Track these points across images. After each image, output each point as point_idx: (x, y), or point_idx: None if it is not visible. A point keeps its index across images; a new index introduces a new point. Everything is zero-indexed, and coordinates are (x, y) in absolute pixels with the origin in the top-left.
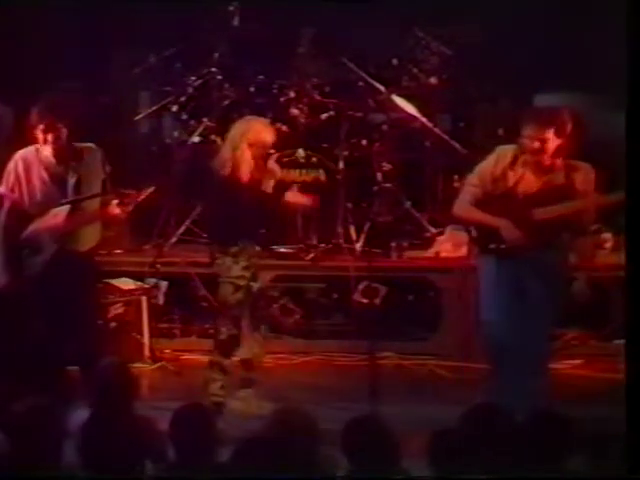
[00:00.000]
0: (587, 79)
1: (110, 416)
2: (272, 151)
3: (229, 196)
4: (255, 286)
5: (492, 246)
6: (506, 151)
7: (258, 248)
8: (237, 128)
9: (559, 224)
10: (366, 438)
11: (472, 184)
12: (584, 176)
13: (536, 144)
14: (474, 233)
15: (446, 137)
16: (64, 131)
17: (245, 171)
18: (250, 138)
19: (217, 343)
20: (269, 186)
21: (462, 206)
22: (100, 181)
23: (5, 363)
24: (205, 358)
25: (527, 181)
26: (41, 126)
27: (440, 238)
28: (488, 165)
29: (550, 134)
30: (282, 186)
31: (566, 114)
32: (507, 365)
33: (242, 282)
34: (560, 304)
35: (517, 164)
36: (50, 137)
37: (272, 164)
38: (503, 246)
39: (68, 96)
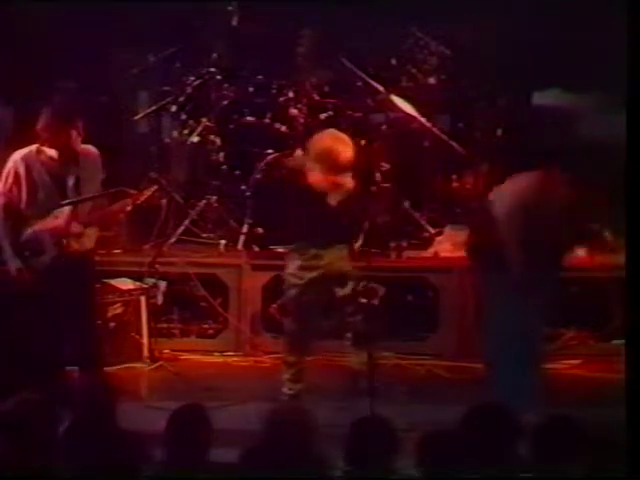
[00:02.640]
0: (586, 79)
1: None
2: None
3: (290, 200)
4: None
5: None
6: (529, 181)
7: (315, 251)
8: (313, 139)
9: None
10: (370, 439)
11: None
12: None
13: None
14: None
15: (445, 137)
16: (72, 133)
17: (310, 181)
18: (316, 152)
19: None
20: (335, 199)
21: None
22: (98, 182)
23: (4, 362)
24: (204, 358)
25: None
26: (51, 128)
27: (439, 238)
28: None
29: None
30: (352, 199)
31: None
32: (507, 364)
33: (293, 280)
34: (556, 303)
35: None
36: (57, 139)
37: (343, 178)
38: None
39: (77, 98)
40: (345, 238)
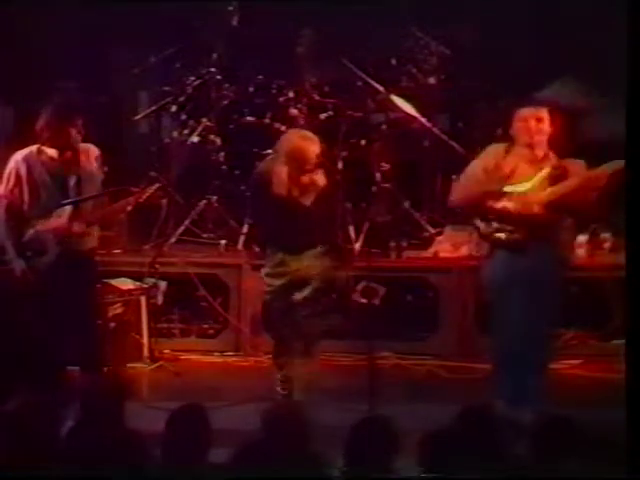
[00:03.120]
0: (586, 78)
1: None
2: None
3: (259, 205)
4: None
5: (501, 236)
6: (498, 147)
7: (281, 256)
8: (280, 140)
9: (562, 210)
10: (369, 439)
11: (467, 177)
12: (577, 168)
13: (532, 123)
14: (481, 227)
15: (445, 137)
16: (71, 132)
17: (279, 183)
18: (285, 152)
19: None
20: (308, 198)
21: (460, 188)
22: (99, 182)
23: (5, 362)
24: (204, 358)
25: (522, 172)
26: (51, 127)
27: (439, 238)
28: (481, 161)
29: (545, 114)
30: (325, 197)
31: (561, 103)
32: (517, 361)
33: (263, 287)
34: (562, 297)
35: (510, 157)
36: (57, 138)
37: (315, 177)
38: (511, 234)
39: (76, 97)
40: (316, 242)
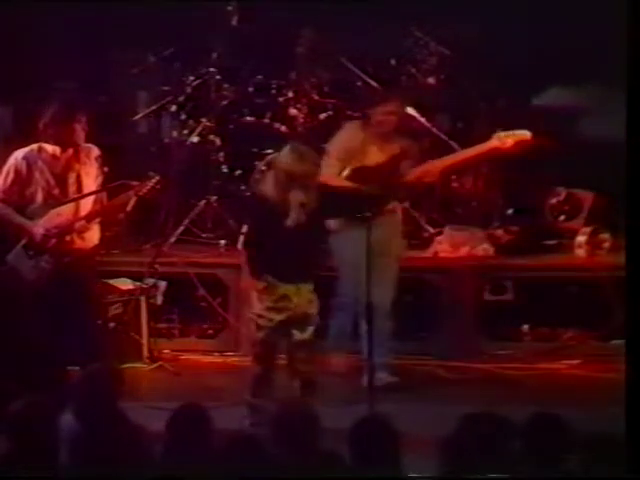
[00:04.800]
0: (586, 78)
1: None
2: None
3: (256, 229)
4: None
5: (358, 215)
6: (355, 126)
7: (289, 286)
8: (277, 156)
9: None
10: (372, 439)
11: (336, 157)
12: (415, 149)
13: (384, 116)
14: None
15: (444, 137)
16: (76, 127)
17: (270, 204)
18: (281, 170)
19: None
20: (301, 222)
21: (329, 176)
22: (99, 181)
23: (5, 362)
24: (204, 358)
25: (373, 152)
26: (58, 121)
27: (438, 238)
28: (346, 140)
29: (395, 108)
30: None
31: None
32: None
33: (262, 322)
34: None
35: (366, 137)
36: (61, 135)
37: (305, 196)
38: (368, 214)
39: (80, 95)
40: (312, 273)
